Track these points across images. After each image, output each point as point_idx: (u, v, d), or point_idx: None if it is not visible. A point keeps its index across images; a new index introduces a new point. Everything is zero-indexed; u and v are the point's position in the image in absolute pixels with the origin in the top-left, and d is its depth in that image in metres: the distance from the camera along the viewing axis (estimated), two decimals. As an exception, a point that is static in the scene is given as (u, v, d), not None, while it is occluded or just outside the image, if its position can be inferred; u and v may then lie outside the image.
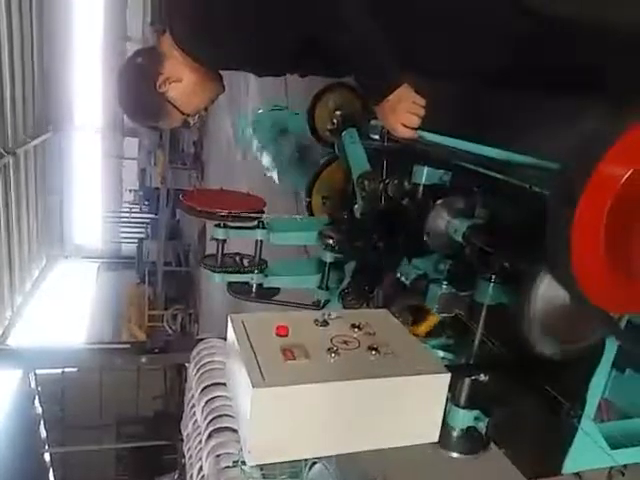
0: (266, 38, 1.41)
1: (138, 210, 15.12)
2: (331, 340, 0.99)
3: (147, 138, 12.35)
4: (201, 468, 3.63)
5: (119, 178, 16.90)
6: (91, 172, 16.84)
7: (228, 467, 3.15)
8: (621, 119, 0.86)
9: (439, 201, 1.33)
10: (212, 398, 3.87)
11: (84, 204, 16.85)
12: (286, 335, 0.99)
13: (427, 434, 0.95)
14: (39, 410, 7.77)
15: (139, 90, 1.54)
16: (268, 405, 0.84)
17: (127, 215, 15.82)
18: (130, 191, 15.55)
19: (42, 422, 7.58)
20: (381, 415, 0.91)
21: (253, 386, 0.82)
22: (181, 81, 1.51)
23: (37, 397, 7.86)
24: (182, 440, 4.53)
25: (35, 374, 7.57)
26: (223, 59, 1.51)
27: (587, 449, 1.08)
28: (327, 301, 1.79)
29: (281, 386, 0.84)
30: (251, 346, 0.94)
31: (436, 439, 0.96)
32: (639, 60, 1.38)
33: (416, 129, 1.34)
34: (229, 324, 1.02)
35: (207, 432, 3.64)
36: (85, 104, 16.04)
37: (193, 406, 4.16)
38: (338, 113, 2.13)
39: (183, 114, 1.57)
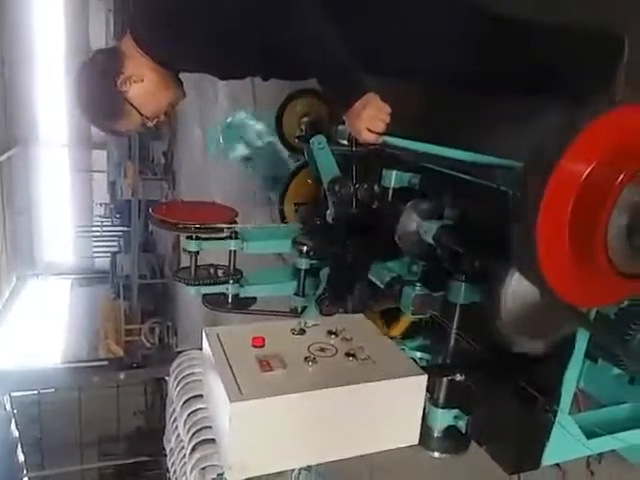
0: (228, 42, 1.42)
1: (110, 224, 14.87)
2: (308, 348, 0.99)
3: (116, 150, 12.16)
4: (186, 482, 3.59)
5: (89, 192, 16.61)
6: (60, 187, 16.52)
7: (213, 479, 3.12)
8: (580, 116, 0.88)
9: (409, 204, 1.35)
10: (194, 411, 3.82)
11: (54, 220, 16.51)
12: (262, 346, 0.98)
13: (407, 437, 0.96)
14: (16, 434, 7.56)
15: (99, 89, 1.52)
16: (247, 419, 0.83)
17: (99, 229, 15.54)
18: (101, 204, 15.29)
19: (20, 446, 7.38)
20: (361, 421, 0.92)
21: (230, 400, 0.82)
22: (142, 81, 1.50)
23: (13, 420, 7.66)
24: (165, 455, 4.47)
25: (10, 397, 7.38)
26: (184, 60, 1.52)
27: (564, 441, 1.10)
28: (304, 307, 1.79)
29: (259, 398, 0.83)
30: (227, 359, 0.93)
31: (416, 441, 0.97)
32: (595, 59, 1.43)
33: (382, 134, 1.36)
34: (204, 337, 1.02)
35: (191, 445, 3.60)
36: (50, 118, 15.73)
37: (175, 420, 4.10)
38: (305, 120, 2.15)
39: (142, 116, 1.56)
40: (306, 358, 0.95)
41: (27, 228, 16.01)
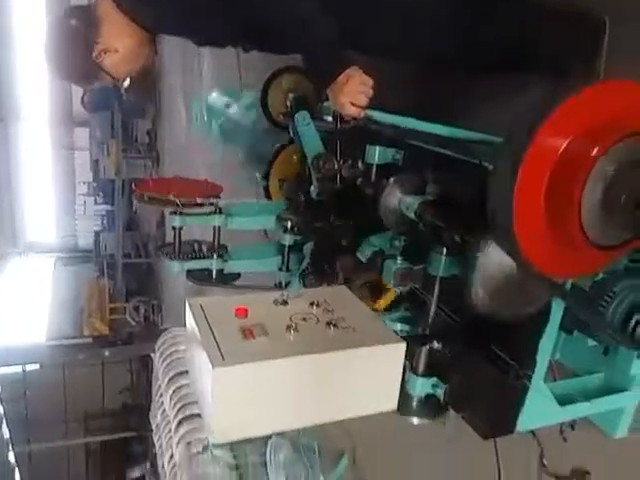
0: (209, 10, 1.41)
1: (93, 202, 14.73)
2: (290, 318, 1.01)
3: (98, 128, 11.97)
4: (172, 456, 3.64)
5: (71, 170, 16.37)
6: (41, 165, 16.24)
7: (199, 453, 3.17)
8: (557, 91, 0.90)
9: (391, 179, 1.36)
10: (179, 387, 3.87)
11: (36, 198, 16.28)
12: (245, 316, 1.00)
13: (386, 402, 0.99)
14: (0, 410, 7.57)
15: (73, 56, 1.51)
16: (229, 383, 0.85)
17: (82, 208, 15.38)
18: (84, 183, 15.11)
19: (4, 422, 7.38)
20: (341, 387, 0.94)
21: (213, 366, 0.83)
22: (118, 52, 1.49)
23: (-3, 397, 7.66)
24: (151, 430, 4.52)
25: (-6, 373, 7.37)
26: (164, 23, 1.51)
27: (539, 407, 1.14)
28: (288, 282, 1.81)
29: (241, 364, 0.85)
30: (210, 328, 0.95)
31: (395, 407, 1.00)
32: (578, 37, 1.45)
33: (365, 108, 1.36)
34: (187, 308, 1.03)
35: (176, 420, 3.65)
36: (31, 94, 15.39)
37: (161, 396, 4.15)
38: (291, 96, 2.13)
39: (114, 79, 1.56)
40: (288, 327, 0.97)
41: (9, 206, 15.78)
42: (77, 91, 12.26)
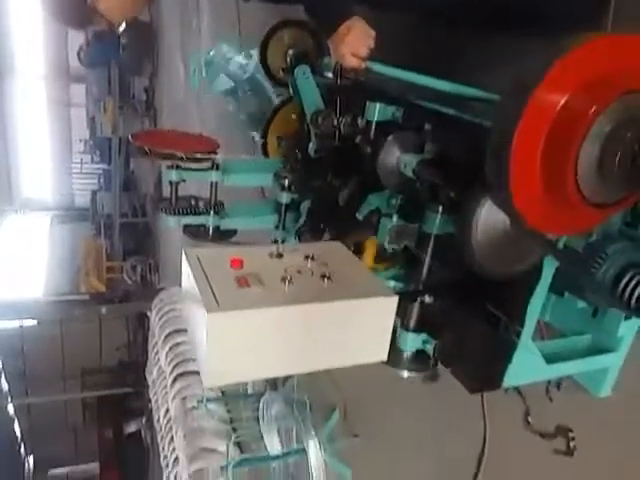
0: None
1: (90, 160, 14.60)
2: (285, 270, 1.02)
3: (95, 84, 11.77)
4: (167, 411, 3.73)
5: (68, 127, 16.15)
6: (37, 122, 16.01)
7: (194, 407, 3.25)
8: (560, 46, 0.88)
9: (389, 137, 1.35)
10: (176, 344, 3.93)
11: (32, 155, 16.11)
12: (241, 267, 1.01)
13: (376, 354, 1.01)
14: (-2, 364, 7.70)
15: (69, 2, 1.48)
16: (223, 329, 0.87)
17: (78, 166, 15.24)
18: (80, 141, 14.94)
19: (3, 375, 7.51)
20: (333, 336, 0.96)
21: (207, 312, 0.85)
22: None
23: (-5, 351, 7.77)
24: (148, 387, 4.61)
25: (-8, 328, 7.45)
26: None
27: (526, 363, 1.16)
28: (284, 241, 1.82)
29: (235, 310, 0.87)
30: (205, 277, 0.96)
31: (385, 358, 1.02)
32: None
33: (366, 60, 1.34)
34: (183, 258, 1.04)
35: (172, 376, 3.72)
36: (27, 49, 15.03)
37: (157, 352, 4.21)
38: (291, 52, 2.10)
39: (109, 23, 1.54)
40: (283, 278, 0.98)
41: (5, 163, 15.63)
42: (73, 46, 11.99)
